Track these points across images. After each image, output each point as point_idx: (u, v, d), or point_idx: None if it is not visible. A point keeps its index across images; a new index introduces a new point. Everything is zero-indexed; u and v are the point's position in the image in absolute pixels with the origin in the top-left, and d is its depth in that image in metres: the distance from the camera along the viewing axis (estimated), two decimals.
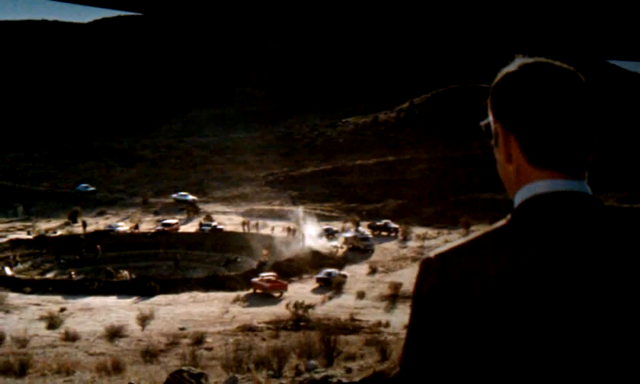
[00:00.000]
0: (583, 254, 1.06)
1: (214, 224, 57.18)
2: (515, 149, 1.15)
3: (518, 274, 1.05)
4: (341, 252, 48.36)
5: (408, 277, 38.87)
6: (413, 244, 51.37)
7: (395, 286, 36.51)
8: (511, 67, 1.18)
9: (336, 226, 57.28)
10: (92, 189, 75.64)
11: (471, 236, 1.13)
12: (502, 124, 1.17)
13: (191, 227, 57.86)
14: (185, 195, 69.43)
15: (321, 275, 40.88)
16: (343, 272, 41.99)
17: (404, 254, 47.93)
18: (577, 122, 1.12)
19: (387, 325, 27.67)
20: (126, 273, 43.18)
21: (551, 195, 1.11)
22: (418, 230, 54.60)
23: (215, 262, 49.18)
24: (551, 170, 1.12)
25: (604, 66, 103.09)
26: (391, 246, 50.84)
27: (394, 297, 35.51)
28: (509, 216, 1.14)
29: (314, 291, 38.84)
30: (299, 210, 59.69)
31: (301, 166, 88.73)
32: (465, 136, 76.96)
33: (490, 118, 1.21)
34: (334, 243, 50.70)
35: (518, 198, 1.14)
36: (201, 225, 57.49)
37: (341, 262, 45.11)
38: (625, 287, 1.04)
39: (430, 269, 1.10)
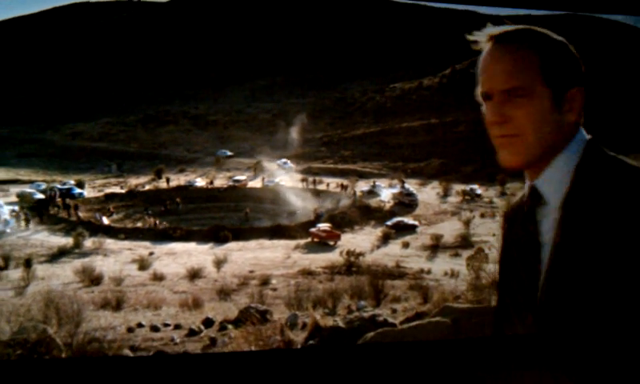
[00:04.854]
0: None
1: (276, 180, 57.79)
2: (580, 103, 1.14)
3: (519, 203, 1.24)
4: (388, 206, 48.18)
5: (448, 229, 38.44)
6: (453, 199, 50.66)
7: (436, 237, 36.13)
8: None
9: (383, 182, 56.93)
10: (230, 154, 75.45)
11: None
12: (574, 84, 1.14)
13: (257, 183, 58.63)
14: (286, 162, 68.55)
15: (390, 223, 40.66)
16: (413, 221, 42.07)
17: (445, 209, 47.18)
18: None
19: (429, 272, 27.60)
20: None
21: None
22: (458, 187, 53.61)
23: (277, 214, 49.81)
24: None
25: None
26: (433, 201, 50.25)
27: (435, 247, 35.11)
28: None
29: (382, 239, 38.18)
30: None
31: (352, 128, 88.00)
32: None
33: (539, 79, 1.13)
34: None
35: None
36: (263, 180, 58.15)
37: (387, 216, 44.93)
38: (595, 232, 1.02)
39: None
